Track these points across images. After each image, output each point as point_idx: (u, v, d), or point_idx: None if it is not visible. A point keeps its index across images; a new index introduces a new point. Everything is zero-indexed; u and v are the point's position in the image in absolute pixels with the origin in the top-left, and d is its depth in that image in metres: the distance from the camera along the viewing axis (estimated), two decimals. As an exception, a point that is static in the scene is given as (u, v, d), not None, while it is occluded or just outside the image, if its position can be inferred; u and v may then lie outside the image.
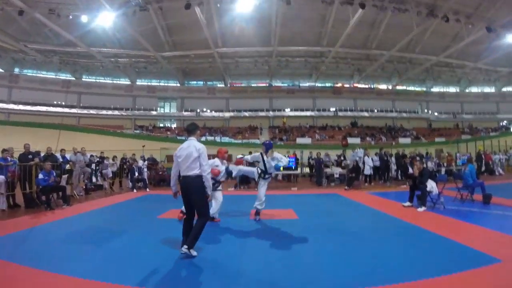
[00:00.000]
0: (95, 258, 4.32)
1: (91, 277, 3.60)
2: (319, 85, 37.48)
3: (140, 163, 13.94)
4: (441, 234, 5.35)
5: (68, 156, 11.49)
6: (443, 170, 15.81)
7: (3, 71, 33.82)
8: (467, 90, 40.70)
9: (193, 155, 4.42)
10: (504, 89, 40.66)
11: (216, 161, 6.81)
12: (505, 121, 41.23)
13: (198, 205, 4.46)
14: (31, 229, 5.92)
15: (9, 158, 8.15)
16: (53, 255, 4.44)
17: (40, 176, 8.08)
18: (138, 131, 33.42)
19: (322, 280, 3.58)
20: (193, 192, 4.43)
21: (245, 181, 13.84)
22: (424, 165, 8.68)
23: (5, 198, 7.77)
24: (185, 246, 4.28)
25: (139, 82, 37.64)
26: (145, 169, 13.83)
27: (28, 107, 34.41)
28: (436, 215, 7.06)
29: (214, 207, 6.47)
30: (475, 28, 22.96)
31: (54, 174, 8.47)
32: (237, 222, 6.73)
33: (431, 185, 7.90)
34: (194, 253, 4.34)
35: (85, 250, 4.70)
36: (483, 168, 18.96)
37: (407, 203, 8.23)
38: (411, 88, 38.74)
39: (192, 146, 4.49)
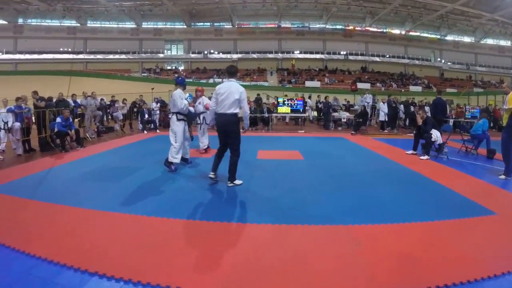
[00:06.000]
0: (113, 193, 4.52)
1: (111, 209, 3.84)
2: (330, 27, 36.05)
3: (153, 105, 14.26)
4: (440, 183, 5.34)
5: (79, 100, 12.02)
6: (451, 121, 15.64)
7: (6, 22, 33.55)
8: (482, 42, 38.75)
9: (234, 96, 4.67)
10: (521, 44, 38.60)
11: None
12: (519, 77, 39.78)
13: (232, 142, 4.80)
14: (48, 170, 6.04)
15: (23, 106, 8.42)
16: (72, 192, 4.61)
17: (58, 120, 8.26)
18: (145, 74, 33.49)
19: (320, 215, 3.75)
20: (229, 130, 4.76)
21: (253, 123, 14.06)
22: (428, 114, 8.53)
23: (21, 143, 7.98)
24: (229, 182, 4.85)
25: (145, 25, 36.87)
26: (157, 111, 14.15)
27: (35, 56, 34.74)
28: (438, 165, 7.04)
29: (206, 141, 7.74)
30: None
31: (74, 126, 8.79)
32: (246, 160, 6.76)
33: (436, 134, 7.79)
34: (238, 182, 4.93)
35: (103, 186, 4.91)
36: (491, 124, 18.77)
37: (410, 151, 8.18)
38: (425, 34, 37.05)
39: (234, 87, 4.73)
